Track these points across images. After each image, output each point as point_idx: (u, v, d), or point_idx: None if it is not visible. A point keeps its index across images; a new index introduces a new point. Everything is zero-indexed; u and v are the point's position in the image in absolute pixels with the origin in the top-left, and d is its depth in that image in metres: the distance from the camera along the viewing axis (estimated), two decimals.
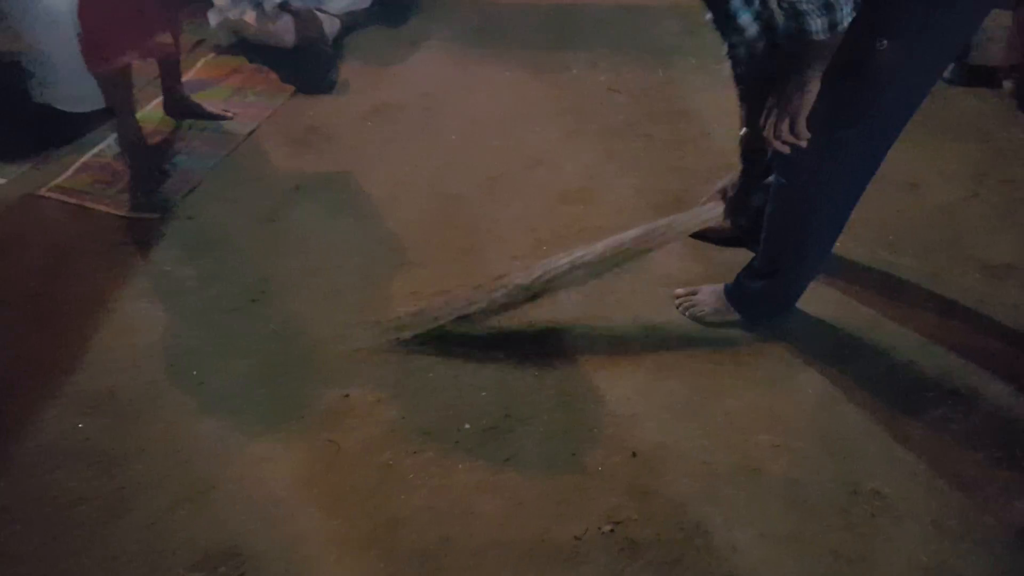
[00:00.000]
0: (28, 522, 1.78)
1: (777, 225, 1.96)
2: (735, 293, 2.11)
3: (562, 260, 2.09)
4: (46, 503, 1.83)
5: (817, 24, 1.49)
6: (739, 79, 1.83)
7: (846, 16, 1.49)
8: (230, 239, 2.51)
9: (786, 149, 1.70)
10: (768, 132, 1.70)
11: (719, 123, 2.78)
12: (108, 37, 2.60)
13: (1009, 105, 2.74)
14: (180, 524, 1.78)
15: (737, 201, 2.08)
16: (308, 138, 2.91)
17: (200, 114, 3.06)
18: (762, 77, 1.72)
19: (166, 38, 2.76)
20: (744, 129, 1.91)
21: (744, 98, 1.87)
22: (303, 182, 2.70)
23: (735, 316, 2.11)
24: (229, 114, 3.07)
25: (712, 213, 2.10)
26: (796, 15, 1.50)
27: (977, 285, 2.14)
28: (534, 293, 2.09)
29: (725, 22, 1.69)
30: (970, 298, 2.11)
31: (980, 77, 2.86)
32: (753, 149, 1.92)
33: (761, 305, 2.09)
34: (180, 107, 3.06)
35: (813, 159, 1.75)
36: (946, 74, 2.87)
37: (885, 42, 1.58)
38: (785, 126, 1.66)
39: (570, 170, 2.64)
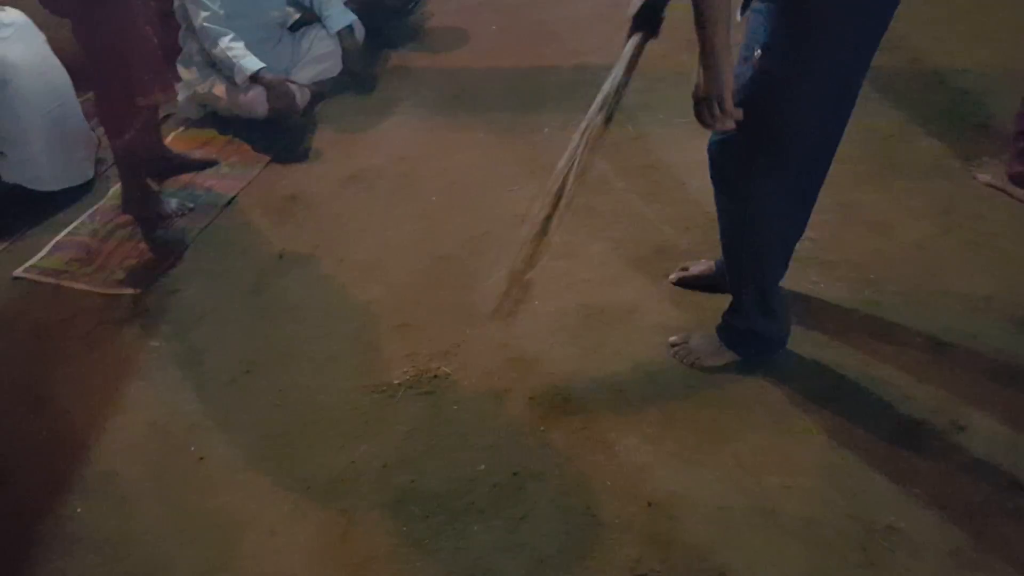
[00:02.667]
0: None
1: (727, 241, 2.03)
2: (724, 331, 2.15)
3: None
4: None
5: None
6: None
7: None
8: (217, 311, 2.49)
9: (727, 125, 1.70)
10: (704, 119, 1.69)
11: (690, 174, 2.85)
12: (125, 108, 2.66)
13: (970, 140, 2.84)
14: None
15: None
16: (287, 207, 2.91)
17: (185, 166, 3.11)
18: None
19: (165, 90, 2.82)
20: None
21: None
22: (286, 251, 2.69)
23: (731, 356, 2.15)
24: (213, 156, 3.16)
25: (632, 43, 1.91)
26: None
27: (960, 318, 2.20)
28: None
29: None
30: (955, 331, 2.17)
31: None
32: None
33: (750, 338, 2.12)
34: (164, 163, 3.06)
35: (744, 174, 1.84)
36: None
37: (758, 51, 1.67)
38: (715, 109, 1.66)
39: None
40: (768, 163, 1.83)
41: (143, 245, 2.78)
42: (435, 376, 2.19)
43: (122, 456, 2.07)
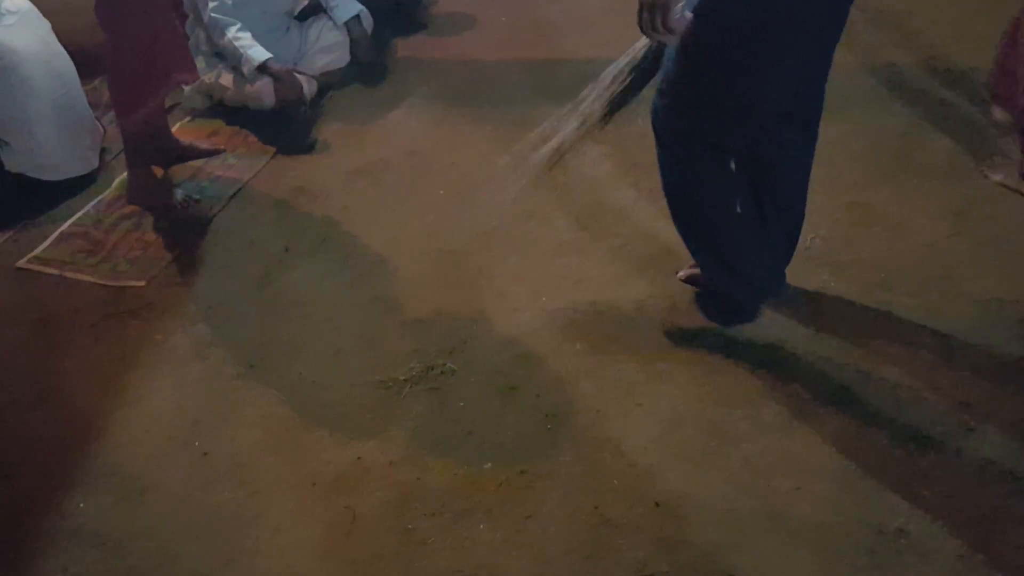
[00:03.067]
0: None
1: (668, 199, 2.07)
2: (697, 297, 2.26)
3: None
4: None
5: None
6: None
7: None
8: (223, 304, 2.47)
9: (665, 39, 1.74)
10: (644, 27, 1.70)
11: None
12: (137, 87, 2.66)
13: (984, 141, 2.81)
14: None
15: None
16: (294, 199, 2.89)
17: (192, 154, 3.09)
18: None
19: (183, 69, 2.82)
20: None
21: None
22: (293, 243, 2.67)
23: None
24: (221, 147, 3.14)
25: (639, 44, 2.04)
26: None
27: (971, 320, 2.18)
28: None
29: None
30: (966, 333, 2.14)
31: None
32: None
33: (719, 303, 2.21)
34: (170, 151, 3.04)
35: (677, 135, 1.90)
36: None
37: (689, 15, 1.71)
38: (658, 21, 1.66)
39: (562, 222, 2.65)
40: (698, 128, 1.87)
41: (148, 236, 2.76)
42: (441, 372, 2.17)
43: (126, 450, 2.05)
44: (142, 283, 2.57)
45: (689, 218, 2.08)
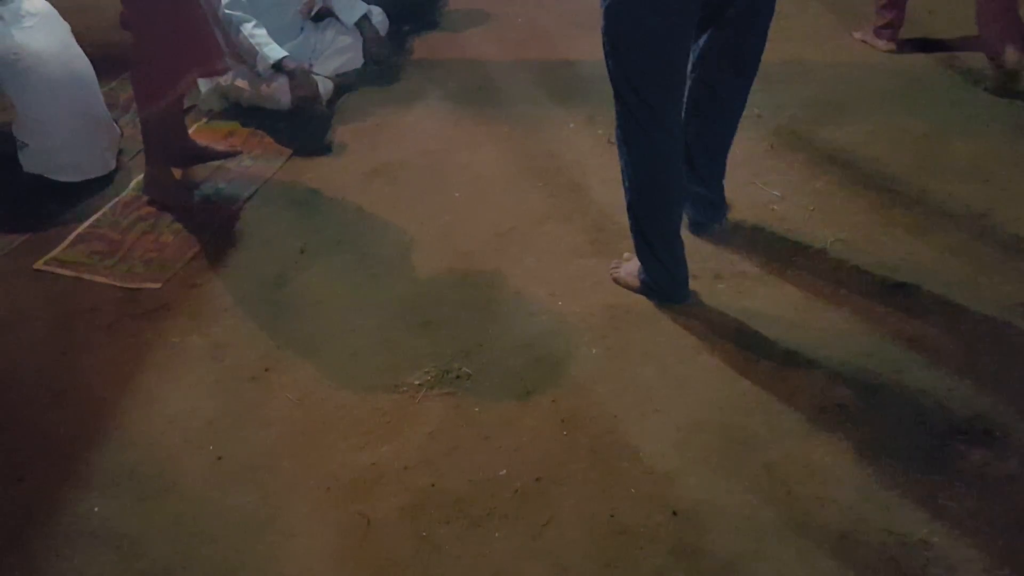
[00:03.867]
0: None
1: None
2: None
3: None
4: None
5: None
6: None
7: None
8: (238, 306, 2.46)
9: None
10: None
11: None
12: (161, 73, 2.65)
13: (1007, 142, 2.77)
14: None
15: None
16: (310, 200, 2.87)
17: (208, 156, 3.07)
18: None
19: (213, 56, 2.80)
20: None
21: None
22: (309, 245, 2.66)
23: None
24: (238, 149, 3.12)
25: None
26: None
27: (995, 325, 2.15)
28: None
29: None
30: (990, 338, 2.12)
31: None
32: None
33: (646, 281, 2.33)
34: (187, 153, 3.03)
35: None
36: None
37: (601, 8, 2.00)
38: None
39: (579, 223, 2.63)
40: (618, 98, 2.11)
41: (164, 238, 2.76)
42: (457, 376, 2.15)
43: (141, 451, 2.04)
44: (158, 285, 2.56)
45: (625, 181, 2.22)
